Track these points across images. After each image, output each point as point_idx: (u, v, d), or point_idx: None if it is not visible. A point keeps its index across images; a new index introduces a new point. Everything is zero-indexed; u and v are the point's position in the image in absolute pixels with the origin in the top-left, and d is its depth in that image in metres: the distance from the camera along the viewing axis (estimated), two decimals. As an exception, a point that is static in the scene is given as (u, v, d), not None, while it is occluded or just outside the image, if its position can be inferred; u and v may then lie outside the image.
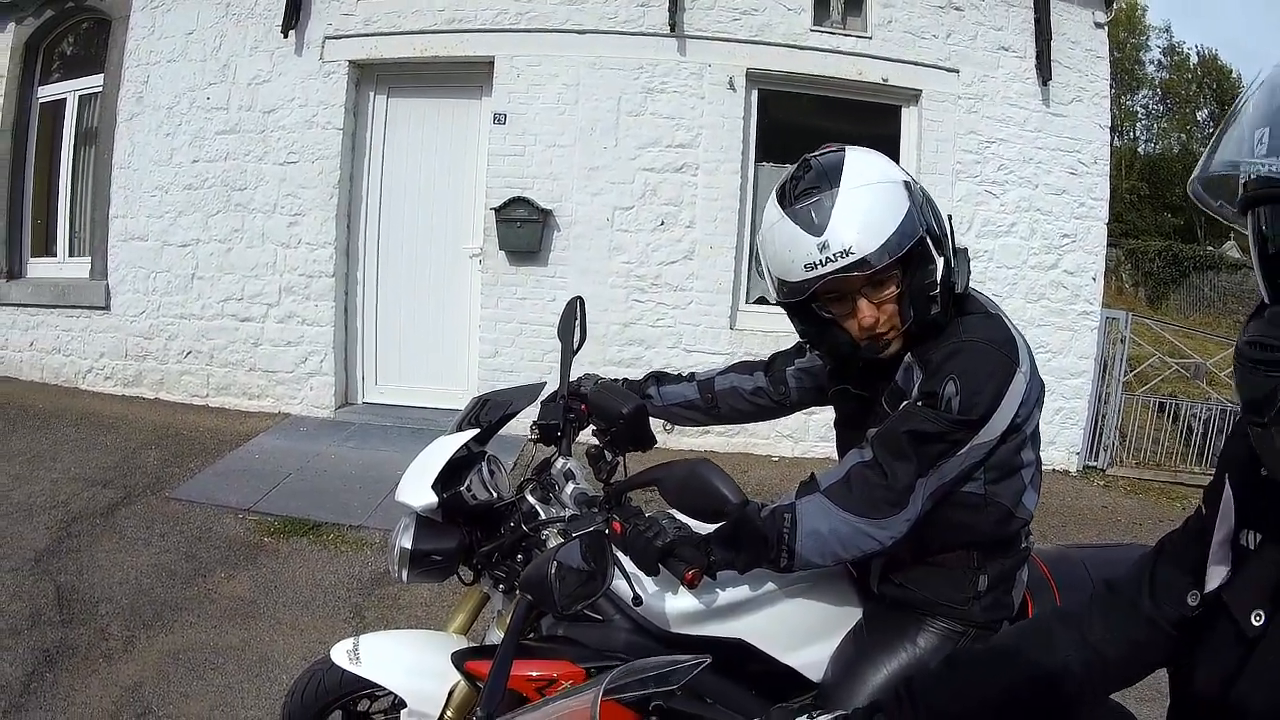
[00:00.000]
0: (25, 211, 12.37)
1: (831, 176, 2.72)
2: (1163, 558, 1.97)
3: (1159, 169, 48.88)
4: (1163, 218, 46.05)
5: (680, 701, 2.44)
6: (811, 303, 2.80)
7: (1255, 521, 1.73)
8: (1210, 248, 35.96)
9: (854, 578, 3.17)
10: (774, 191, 2.85)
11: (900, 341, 2.79)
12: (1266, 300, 1.52)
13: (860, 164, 2.79)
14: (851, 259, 2.61)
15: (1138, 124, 52.76)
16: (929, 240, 2.74)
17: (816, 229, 2.65)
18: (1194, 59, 51.87)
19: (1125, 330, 11.41)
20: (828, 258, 2.62)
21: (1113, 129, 11.21)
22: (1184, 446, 11.53)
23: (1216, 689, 1.71)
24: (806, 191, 2.73)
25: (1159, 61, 52.14)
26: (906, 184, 2.78)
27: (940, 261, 2.74)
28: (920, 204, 2.76)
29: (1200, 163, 1.60)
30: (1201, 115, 52.04)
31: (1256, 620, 1.66)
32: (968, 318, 2.79)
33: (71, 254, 12.29)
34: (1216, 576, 1.78)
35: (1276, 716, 1.64)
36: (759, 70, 10.56)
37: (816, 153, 2.86)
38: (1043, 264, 10.73)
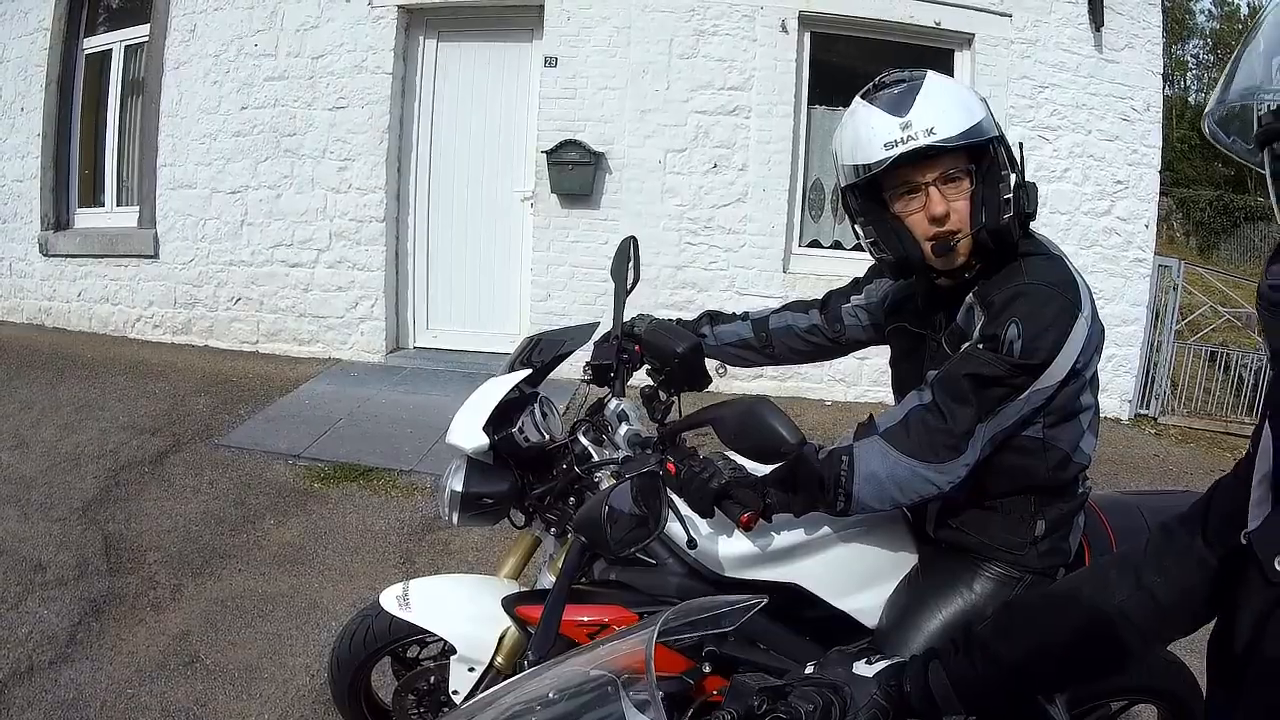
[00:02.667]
0: (72, 163, 12.20)
1: (916, 75, 2.69)
2: (1215, 500, 1.85)
3: (1210, 119, 48.69)
4: (1213, 167, 45.86)
5: (732, 646, 2.34)
6: (882, 194, 2.73)
7: None
8: (1261, 198, 35.90)
9: (910, 522, 3.11)
10: (855, 97, 2.78)
11: (968, 246, 2.67)
12: None
13: (942, 75, 2.75)
14: (933, 138, 2.55)
15: (1188, 74, 52.90)
16: (1003, 149, 2.70)
17: (900, 111, 2.59)
18: (1244, 9, 51.99)
19: (1178, 278, 11.14)
20: (909, 135, 2.56)
21: (1164, 77, 10.79)
22: (1234, 397, 11.25)
23: (1247, 635, 1.64)
24: (891, 84, 2.69)
25: (1209, 11, 52.34)
26: (984, 100, 2.76)
27: (1012, 178, 2.68)
28: (995, 118, 2.73)
29: (1214, 96, 1.50)
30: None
31: None
32: (1030, 259, 2.71)
33: (119, 203, 12.08)
34: (1257, 518, 1.66)
35: None
36: (811, 13, 10.20)
37: None
38: (1095, 210, 10.45)
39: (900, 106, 2.59)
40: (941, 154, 2.59)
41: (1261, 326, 1.55)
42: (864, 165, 2.64)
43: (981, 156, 2.66)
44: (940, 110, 2.57)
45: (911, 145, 2.54)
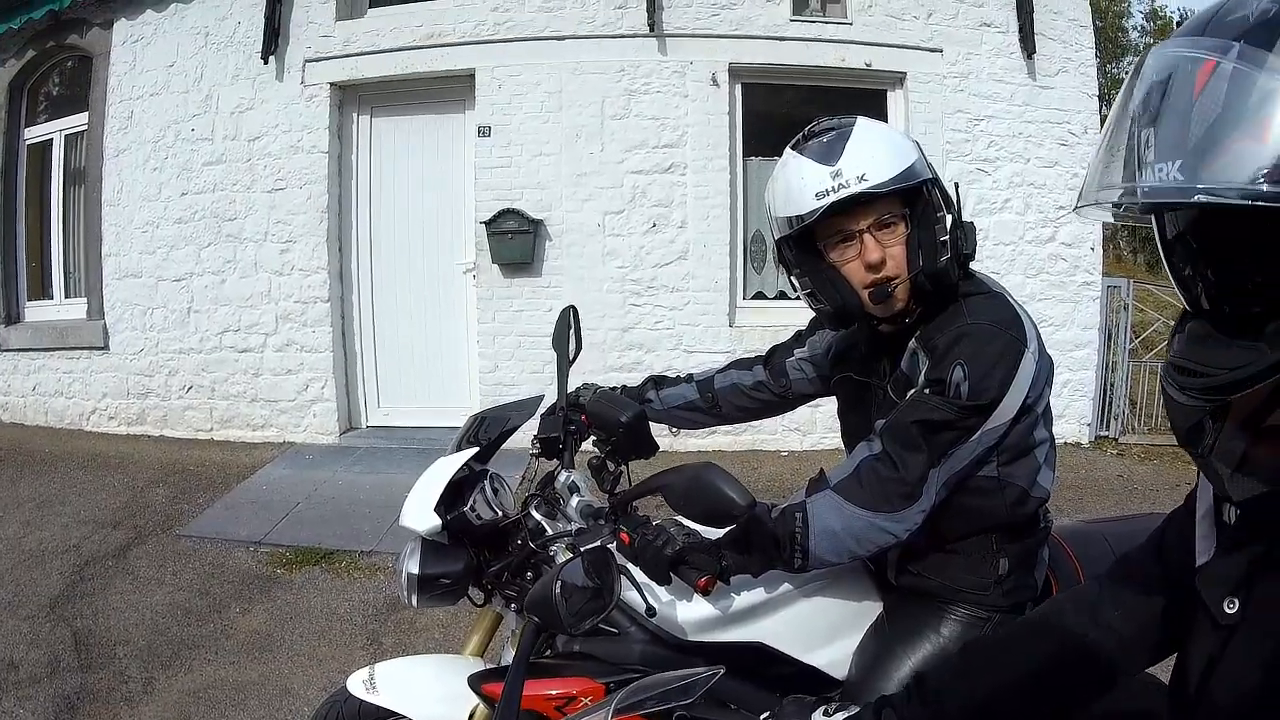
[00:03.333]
0: (19, 255, 12.49)
1: (846, 122, 2.76)
2: (1169, 532, 1.89)
3: (1150, 134, 47.91)
4: (1157, 185, 45.11)
5: (701, 709, 2.48)
6: (817, 244, 2.80)
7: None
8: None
9: (871, 570, 3.13)
10: (786, 149, 2.84)
11: (906, 291, 2.75)
12: (1187, 308, 1.43)
13: (872, 120, 2.81)
14: (865, 185, 2.61)
15: None
16: (937, 190, 2.76)
17: (830, 160, 2.65)
18: (1175, 21, 51.09)
19: (1127, 297, 11.43)
20: (840, 184, 2.61)
21: (1100, 97, 11.19)
22: None
23: (1197, 675, 1.66)
24: (820, 133, 2.76)
25: (1142, 27, 51.82)
26: (915, 142, 2.84)
27: (948, 219, 2.73)
28: (927, 160, 2.79)
29: (1088, 180, 1.48)
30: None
31: (1230, 608, 1.58)
32: (971, 299, 2.75)
33: (68, 295, 12.39)
34: (1204, 553, 1.70)
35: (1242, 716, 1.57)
36: (741, 64, 10.59)
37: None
38: (1039, 238, 10.74)
39: (830, 155, 2.65)
40: (874, 200, 2.66)
41: (1166, 408, 1.50)
42: (796, 216, 2.71)
43: (915, 200, 2.73)
44: (870, 156, 2.64)
45: (843, 193, 2.60)
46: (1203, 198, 1.23)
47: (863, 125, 2.75)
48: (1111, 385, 11.31)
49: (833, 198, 2.62)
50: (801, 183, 2.68)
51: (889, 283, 2.71)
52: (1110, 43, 45.31)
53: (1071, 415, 10.88)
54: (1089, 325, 10.92)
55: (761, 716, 2.38)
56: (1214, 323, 1.36)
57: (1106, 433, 11.30)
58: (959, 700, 1.98)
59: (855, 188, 2.61)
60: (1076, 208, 1.53)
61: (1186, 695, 1.70)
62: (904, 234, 2.73)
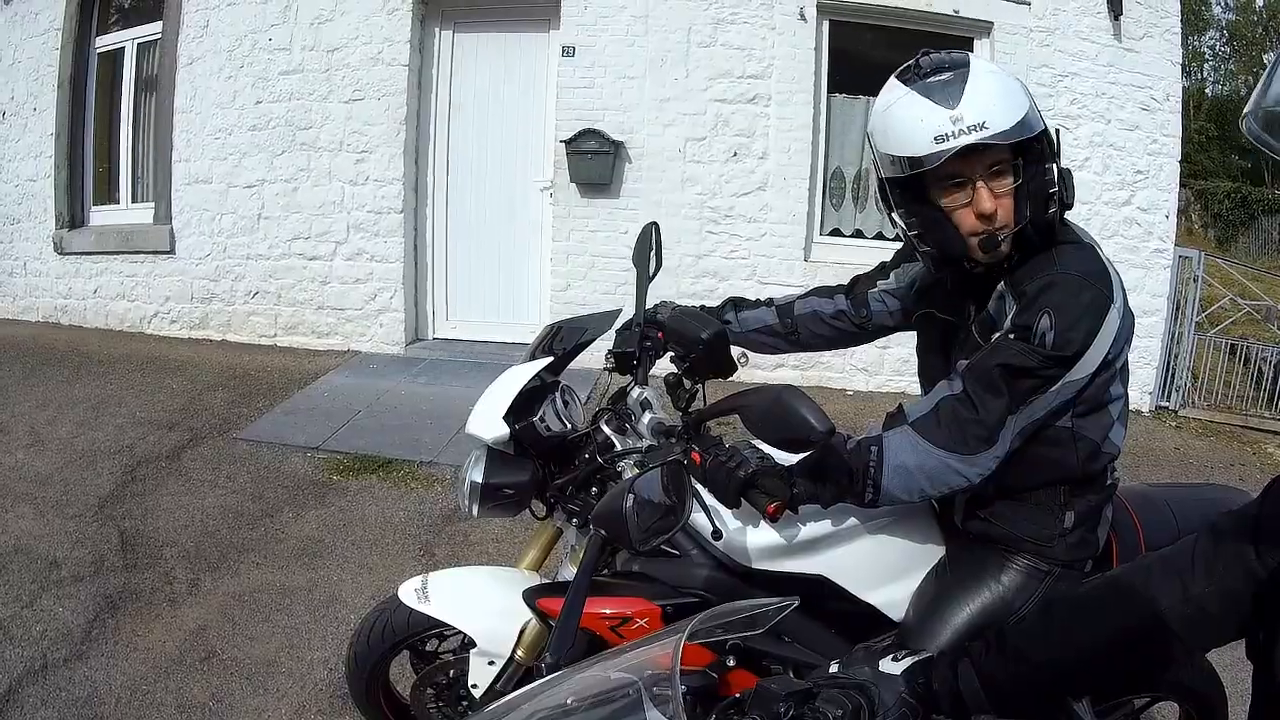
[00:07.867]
0: (86, 160, 12.16)
1: (959, 60, 2.57)
2: (1267, 505, 1.73)
3: (1227, 110, 48.08)
4: (1231, 160, 45.39)
5: (758, 640, 2.29)
6: (928, 188, 2.63)
7: None
8: (1278, 191, 35.57)
9: (937, 513, 3.06)
10: (891, 78, 2.66)
11: (1010, 244, 2.59)
12: None
13: (984, 60, 2.66)
14: (985, 134, 2.43)
15: (1205, 65, 52.32)
16: (1046, 139, 2.59)
17: (949, 102, 2.47)
18: (1260, 1, 51.37)
19: (1198, 270, 10.92)
20: (961, 130, 2.44)
21: (1182, 68, 10.67)
22: (1255, 390, 10.98)
23: None
24: (935, 70, 2.55)
25: (1225, 3, 51.95)
26: (1025, 87, 2.65)
27: (1054, 168, 2.58)
28: (1037, 108, 2.60)
29: (1257, 92, 1.33)
30: (1268, 58, 50.93)
31: None
32: (1062, 247, 2.64)
33: (135, 200, 12.01)
34: None
35: None
36: (829, 1, 10.06)
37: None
38: (1116, 200, 10.31)
39: (949, 97, 2.48)
40: (990, 145, 2.49)
41: None
42: (911, 158, 2.54)
43: (1025, 148, 2.56)
44: (990, 103, 2.47)
45: (963, 140, 2.44)
46: None
47: (979, 66, 2.58)
48: (1176, 357, 10.85)
49: (953, 144, 2.47)
50: (919, 123, 2.52)
51: (999, 232, 2.59)
52: (1194, 15, 45.23)
53: (1135, 382, 10.09)
54: (1158, 293, 10.51)
55: (831, 664, 2.03)
56: None
57: (1167, 404, 10.87)
58: (1039, 659, 1.89)
59: (975, 136, 2.46)
60: (1246, 116, 1.36)
61: (1273, 684, 1.63)
62: (1013, 183, 2.59)
